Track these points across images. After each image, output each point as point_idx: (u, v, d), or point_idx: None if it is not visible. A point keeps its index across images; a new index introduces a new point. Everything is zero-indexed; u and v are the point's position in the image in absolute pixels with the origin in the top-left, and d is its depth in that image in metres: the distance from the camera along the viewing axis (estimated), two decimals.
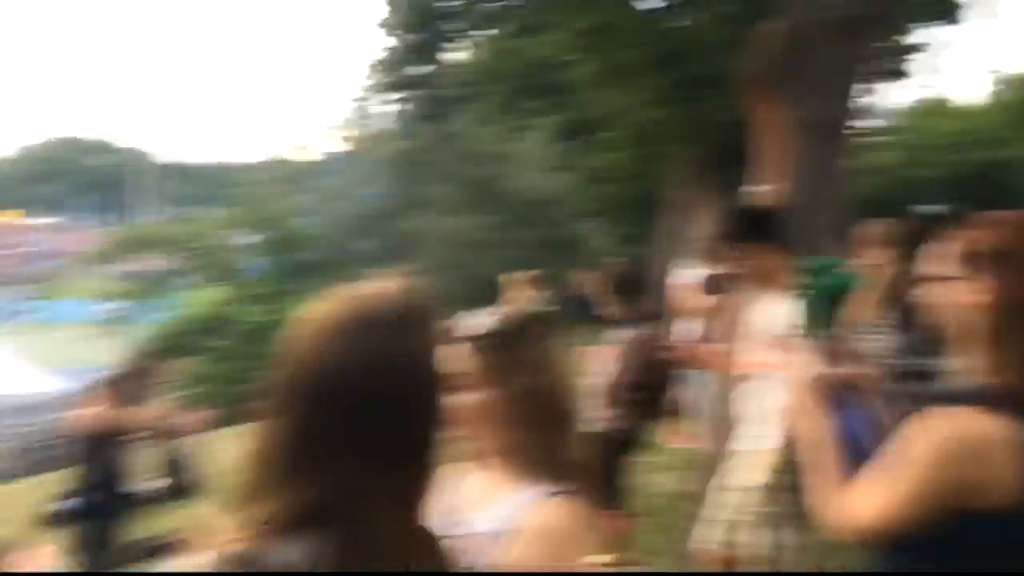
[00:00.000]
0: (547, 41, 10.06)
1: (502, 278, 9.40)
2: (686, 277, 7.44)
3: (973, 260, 1.42)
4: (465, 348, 1.38)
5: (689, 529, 3.80)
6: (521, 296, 9.69)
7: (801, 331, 1.86)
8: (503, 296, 9.89)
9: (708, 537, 3.21)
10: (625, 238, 30.91)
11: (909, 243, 3.02)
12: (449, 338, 1.42)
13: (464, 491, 1.47)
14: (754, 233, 3.03)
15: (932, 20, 9.40)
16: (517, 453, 1.36)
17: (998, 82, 33.02)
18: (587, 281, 4.60)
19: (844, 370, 1.73)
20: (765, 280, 3.06)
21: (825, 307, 1.75)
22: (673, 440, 6.92)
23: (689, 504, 4.44)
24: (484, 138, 25.13)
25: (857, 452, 1.52)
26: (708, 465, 4.24)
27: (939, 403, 1.40)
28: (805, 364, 1.71)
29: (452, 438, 1.43)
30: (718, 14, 8.68)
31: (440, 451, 1.00)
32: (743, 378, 3.26)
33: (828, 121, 3.87)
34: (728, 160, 8.68)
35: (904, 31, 9.73)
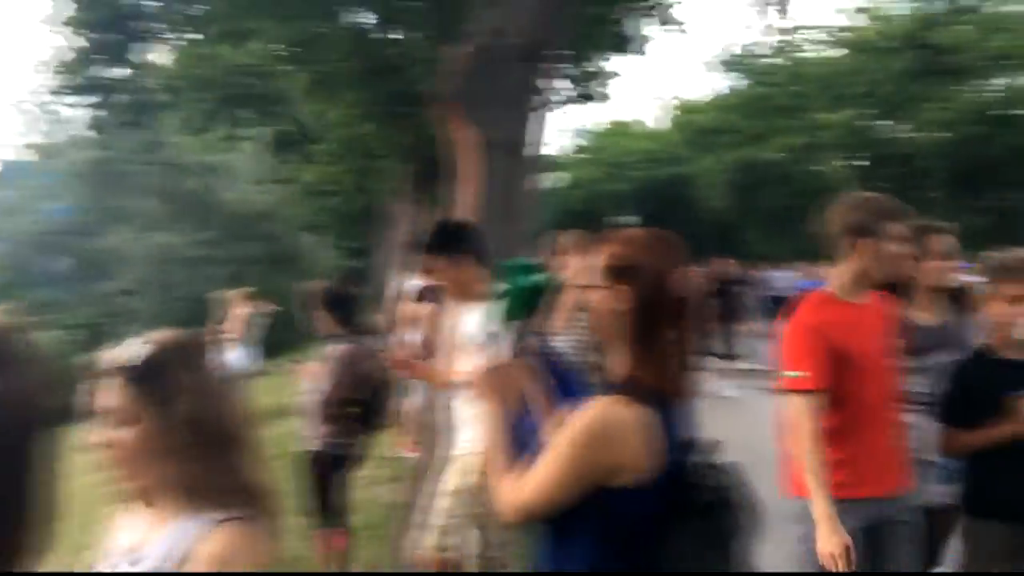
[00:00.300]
0: (252, 49, 9.67)
1: (215, 296, 8.85)
2: (405, 289, 7.58)
3: (610, 272, 1.62)
4: (114, 381, 1.28)
5: (415, 538, 3.86)
6: (236, 314, 9.22)
7: (493, 334, 1.97)
8: (217, 314, 9.32)
9: (424, 543, 3.28)
10: (348, 252, 30.74)
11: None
12: (98, 372, 1.31)
13: (125, 531, 1.37)
14: (449, 246, 3.18)
15: (610, 50, 10.49)
16: (180, 484, 1.29)
17: (672, 107, 37.90)
18: (306, 296, 4.48)
19: (521, 367, 1.86)
20: (463, 291, 3.22)
21: (519, 305, 1.87)
22: (396, 450, 7.00)
23: (408, 513, 4.51)
24: (190, 148, 23.54)
25: (530, 444, 1.66)
26: (425, 473, 4.34)
27: (590, 395, 1.59)
28: (489, 366, 1.82)
29: (110, 477, 1.33)
30: (424, 32, 8.93)
31: (45, 494, 0.91)
32: (453, 386, 3.39)
33: (513, 140, 4.15)
34: (438, 175, 8.98)
35: (588, 59, 10.75)
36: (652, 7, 9.44)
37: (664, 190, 33.82)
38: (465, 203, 4.12)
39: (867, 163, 28.91)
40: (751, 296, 15.25)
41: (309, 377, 4.42)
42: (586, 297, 1.68)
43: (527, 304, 1.90)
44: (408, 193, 12.76)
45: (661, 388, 1.56)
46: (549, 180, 33.37)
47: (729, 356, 10.21)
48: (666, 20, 9.61)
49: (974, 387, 2.70)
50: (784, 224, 31.72)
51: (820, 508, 2.43)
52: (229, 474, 1.29)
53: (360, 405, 4.22)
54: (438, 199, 9.51)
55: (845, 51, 28.85)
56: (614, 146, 38.37)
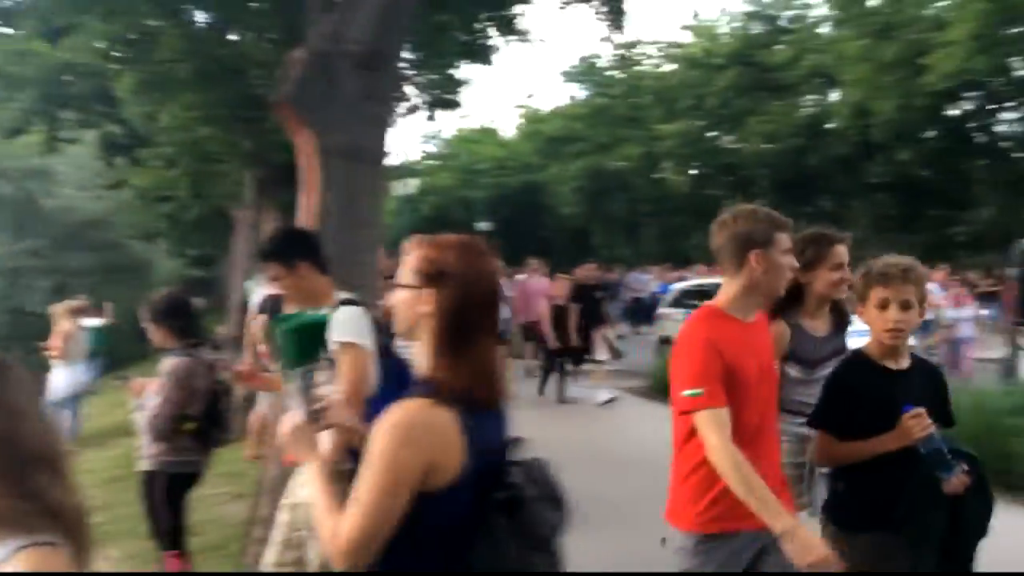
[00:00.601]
0: (73, 45, 8.99)
1: (47, 309, 8.23)
2: (254, 297, 7.31)
3: (418, 274, 1.63)
4: None
5: (258, 553, 3.73)
6: (61, 329, 8.58)
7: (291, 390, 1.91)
8: (51, 328, 8.62)
9: (273, 558, 3.20)
10: (192, 260, 29.18)
11: None
12: None
13: None
14: (284, 253, 3.11)
15: (458, 58, 10.53)
16: None
17: (525, 116, 38.71)
18: (145, 307, 4.22)
19: (317, 416, 1.84)
20: (304, 299, 3.16)
21: (296, 350, 1.81)
22: (245, 463, 6.74)
23: (258, 527, 4.36)
24: (12, 152, 21.70)
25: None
26: (271, 486, 4.22)
27: (399, 400, 1.57)
28: (288, 425, 1.80)
29: None
30: (265, 35, 8.67)
31: None
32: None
33: (354, 147, 4.12)
34: (283, 180, 8.75)
35: (446, 66, 10.74)
36: (493, 17, 9.58)
37: (517, 197, 34.49)
38: (306, 210, 4.05)
39: (699, 172, 30.77)
40: (613, 299, 15.74)
41: (140, 393, 4.19)
42: (395, 298, 1.68)
43: (305, 347, 1.86)
44: (252, 199, 12.33)
45: (467, 390, 1.56)
46: (405, 187, 33.26)
47: (592, 359, 10.53)
48: (510, 31, 9.77)
49: (852, 396, 2.62)
50: (628, 229, 33.23)
51: (779, 522, 2.17)
52: (33, 498, 1.22)
53: (195, 421, 4.05)
54: (284, 205, 9.24)
55: (676, 66, 30.63)
56: (467, 153, 38.75)
